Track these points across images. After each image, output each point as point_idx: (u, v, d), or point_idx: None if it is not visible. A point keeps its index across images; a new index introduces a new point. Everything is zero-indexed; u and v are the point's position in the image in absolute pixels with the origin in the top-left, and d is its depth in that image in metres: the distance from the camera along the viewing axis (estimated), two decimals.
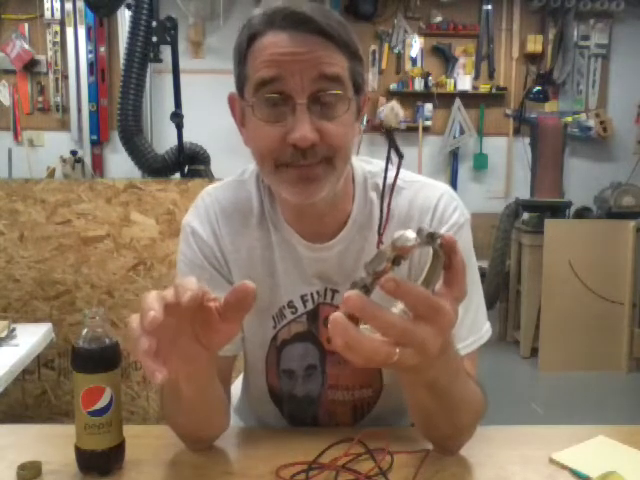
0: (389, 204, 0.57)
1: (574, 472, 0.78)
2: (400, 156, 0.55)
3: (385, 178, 0.58)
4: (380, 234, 0.55)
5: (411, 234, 0.53)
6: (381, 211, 0.58)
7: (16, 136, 4.36)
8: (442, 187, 0.90)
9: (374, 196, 0.88)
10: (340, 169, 0.79)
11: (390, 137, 0.54)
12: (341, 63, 0.76)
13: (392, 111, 0.55)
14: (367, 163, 0.92)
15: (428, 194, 0.87)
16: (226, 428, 0.87)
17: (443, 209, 0.87)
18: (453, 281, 0.57)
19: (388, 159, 0.57)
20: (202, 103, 4.02)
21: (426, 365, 0.57)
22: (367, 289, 0.52)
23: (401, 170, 0.92)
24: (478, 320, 0.87)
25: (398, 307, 0.57)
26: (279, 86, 0.74)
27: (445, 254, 0.56)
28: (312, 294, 0.90)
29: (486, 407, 0.79)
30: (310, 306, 0.90)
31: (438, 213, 0.86)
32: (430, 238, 0.54)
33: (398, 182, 0.89)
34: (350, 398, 0.95)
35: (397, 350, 0.53)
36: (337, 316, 0.52)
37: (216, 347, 0.65)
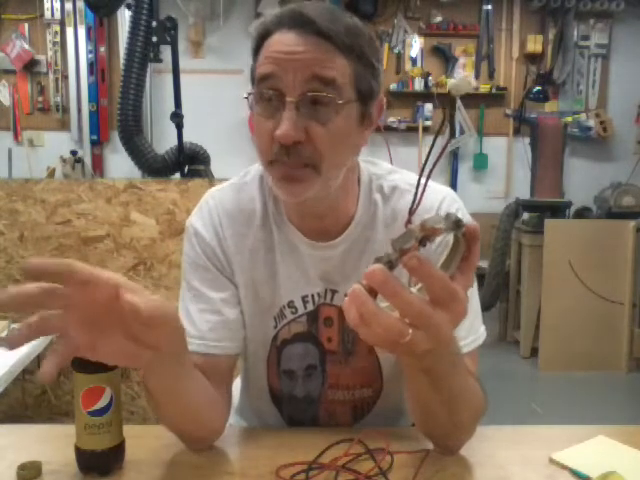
0: (426, 182, 0.58)
1: (574, 472, 0.78)
2: (452, 134, 0.56)
3: (428, 156, 0.58)
4: (411, 213, 0.56)
5: (440, 217, 0.54)
6: (417, 188, 0.59)
7: (16, 136, 4.36)
8: (444, 190, 0.91)
9: (378, 198, 0.89)
10: (327, 175, 0.78)
11: (452, 107, 0.55)
12: (341, 67, 0.76)
13: (464, 79, 0.55)
14: (372, 165, 0.93)
15: (430, 196, 0.88)
16: (221, 427, 0.87)
17: (445, 211, 0.87)
18: (466, 269, 0.58)
19: (442, 124, 0.57)
20: (202, 103, 4.02)
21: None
22: (391, 265, 0.53)
23: (405, 173, 0.93)
24: (476, 321, 0.88)
25: (413, 290, 0.57)
26: (274, 83, 0.75)
27: (466, 242, 0.57)
28: (313, 295, 0.90)
29: (486, 406, 0.79)
30: (310, 307, 0.91)
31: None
32: (456, 225, 0.55)
33: (401, 185, 0.90)
34: (350, 398, 0.95)
35: (410, 331, 0.54)
36: (357, 288, 0.53)
37: (151, 346, 0.62)
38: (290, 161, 0.76)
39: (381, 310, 0.54)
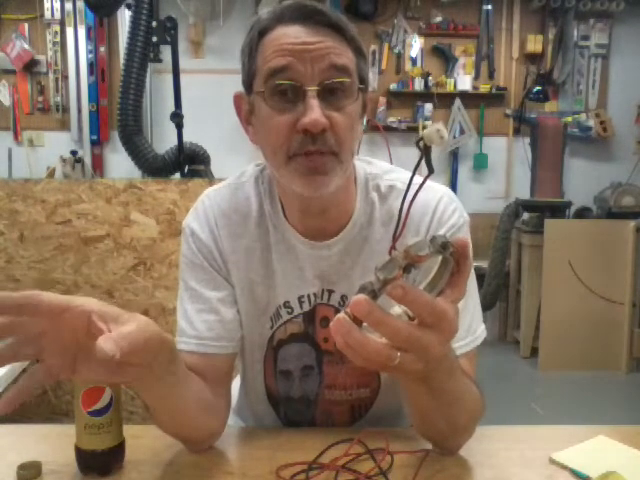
0: (407, 214, 0.58)
1: (574, 472, 0.78)
2: (431, 171, 0.55)
3: (408, 188, 0.58)
4: (395, 240, 0.55)
5: (425, 243, 0.52)
6: (398, 219, 0.58)
7: (16, 136, 4.36)
8: (441, 189, 0.90)
9: (375, 197, 0.89)
10: (346, 163, 0.80)
11: (426, 153, 0.55)
12: (349, 55, 0.78)
13: (437, 133, 0.55)
14: (368, 164, 0.93)
15: (428, 196, 0.88)
16: (219, 429, 0.87)
17: (442, 210, 0.87)
18: (457, 284, 0.57)
19: (415, 171, 0.57)
20: (202, 103, 4.02)
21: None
22: (375, 294, 0.52)
23: (401, 172, 0.93)
24: (475, 322, 0.87)
25: (400, 307, 0.57)
26: (290, 75, 0.75)
27: (455, 259, 0.56)
28: (309, 295, 0.90)
29: (484, 408, 0.79)
30: (307, 307, 0.90)
31: (437, 214, 0.87)
32: (442, 248, 0.54)
33: (398, 184, 0.90)
34: (348, 398, 0.95)
35: (398, 354, 0.54)
36: (342, 318, 0.53)
37: (135, 366, 0.63)
38: (317, 149, 0.76)
39: (366, 337, 0.53)
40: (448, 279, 0.57)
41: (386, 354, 0.54)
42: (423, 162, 0.55)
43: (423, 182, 0.56)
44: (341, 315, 0.53)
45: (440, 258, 0.57)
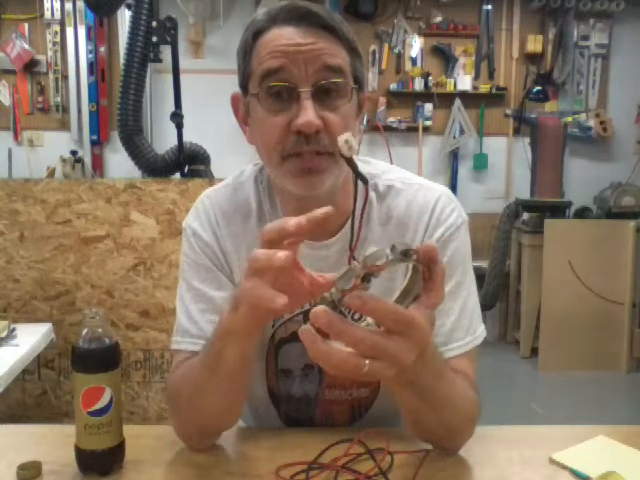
0: (360, 221, 0.58)
1: (574, 472, 0.78)
2: (364, 181, 0.56)
3: (355, 199, 0.59)
4: (352, 250, 0.55)
5: (383, 252, 0.52)
6: (352, 230, 0.58)
7: (16, 136, 4.35)
8: (440, 189, 0.91)
9: (374, 196, 0.89)
10: (341, 163, 0.80)
11: (348, 162, 0.57)
12: (343, 56, 0.78)
13: (345, 143, 0.56)
14: (366, 164, 0.93)
15: (426, 195, 0.88)
16: (231, 425, 0.86)
17: (441, 210, 0.87)
18: (432, 289, 0.57)
19: (357, 183, 0.58)
20: (202, 103, 4.02)
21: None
22: (334, 305, 0.53)
23: (400, 171, 0.93)
24: (474, 322, 0.87)
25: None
26: (284, 76, 0.76)
27: (424, 265, 0.56)
28: None
29: (479, 409, 0.79)
30: (307, 306, 0.90)
31: (435, 214, 0.87)
32: (404, 255, 0.53)
33: (397, 184, 0.90)
34: (347, 398, 0.95)
35: (367, 362, 0.54)
36: (305, 329, 0.53)
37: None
38: (310, 149, 0.76)
39: (331, 348, 0.53)
40: (421, 285, 0.57)
41: (353, 363, 0.53)
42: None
43: (366, 199, 0.57)
44: (305, 327, 0.53)
45: (411, 265, 0.57)
